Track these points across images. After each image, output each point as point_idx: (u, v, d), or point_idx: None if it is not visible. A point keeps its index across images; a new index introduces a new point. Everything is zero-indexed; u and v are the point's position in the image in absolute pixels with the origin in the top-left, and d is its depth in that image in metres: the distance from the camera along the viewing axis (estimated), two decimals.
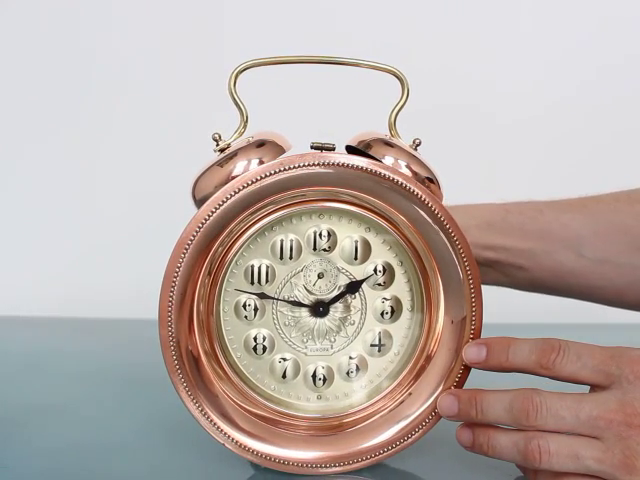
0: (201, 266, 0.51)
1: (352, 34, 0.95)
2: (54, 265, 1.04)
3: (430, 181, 0.53)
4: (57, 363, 0.82)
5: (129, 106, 1.02)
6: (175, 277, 0.50)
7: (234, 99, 0.53)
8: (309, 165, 0.50)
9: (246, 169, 0.50)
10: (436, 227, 0.52)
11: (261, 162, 0.50)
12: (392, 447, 0.54)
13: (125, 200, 1.03)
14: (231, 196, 0.49)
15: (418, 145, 0.54)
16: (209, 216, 0.50)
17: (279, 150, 0.51)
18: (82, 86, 1.02)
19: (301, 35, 0.95)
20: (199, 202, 0.51)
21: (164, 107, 1.00)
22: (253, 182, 0.49)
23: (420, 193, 0.51)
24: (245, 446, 0.53)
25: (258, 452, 0.53)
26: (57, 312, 0.99)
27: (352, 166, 0.50)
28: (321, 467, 0.53)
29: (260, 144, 0.51)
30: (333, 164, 0.50)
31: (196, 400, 0.52)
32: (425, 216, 0.52)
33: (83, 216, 1.04)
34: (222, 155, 0.51)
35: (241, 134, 0.53)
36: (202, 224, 0.50)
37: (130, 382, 0.75)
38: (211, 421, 0.53)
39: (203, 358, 0.53)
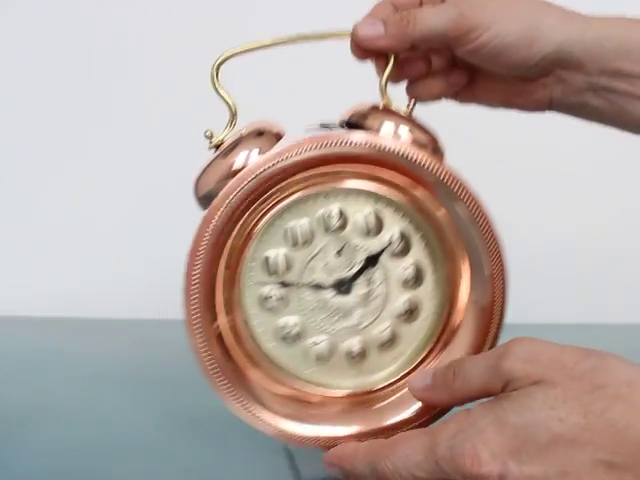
0: (218, 264, 0.51)
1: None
2: (54, 265, 1.04)
3: (431, 143, 0.52)
4: (57, 363, 0.82)
5: (124, 104, 1.02)
6: (196, 280, 0.50)
7: (219, 93, 0.52)
8: (309, 150, 0.49)
9: (247, 160, 0.50)
10: (446, 191, 0.51)
11: (261, 152, 0.50)
12: (425, 420, 0.53)
13: (126, 200, 1.03)
14: (237, 192, 0.49)
15: (412, 108, 0.54)
16: (218, 214, 0.49)
17: (277, 137, 0.51)
18: (78, 86, 1.02)
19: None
20: (202, 199, 0.51)
21: (158, 104, 1.00)
22: (256, 176, 0.49)
23: (425, 161, 0.51)
24: (286, 431, 0.53)
25: (298, 435, 0.53)
26: (57, 312, 0.99)
27: (352, 143, 0.50)
28: None
29: (259, 133, 0.51)
30: (331, 144, 0.50)
31: (236, 395, 0.52)
32: (434, 181, 0.51)
33: (83, 215, 1.04)
34: (221, 149, 0.51)
35: (232, 127, 0.53)
36: (213, 222, 0.49)
37: (130, 382, 0.75)
38: (252, 413, 0.52)
39: (235, 353, 0.53)
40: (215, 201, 0.49)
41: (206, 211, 0.50)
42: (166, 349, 0.85)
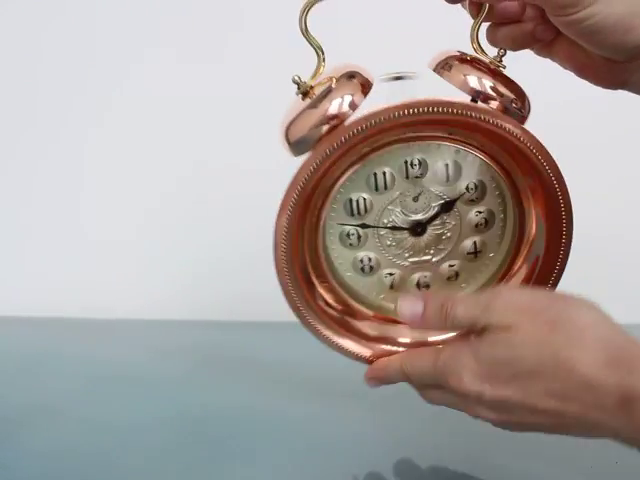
0: (308, 207, 0.53)
1: None
2: (54, 265, 1.04)
3: (517, 100, 0.52)
4: (57, 363, 0.82)
5: (133, 107, 1.02)
6: (284, 225, 0.51)
7: (307, 38, 0.52)
8: (394, 117, 0.50)
9: (340, 107, 0.50)
10: (527, 153, 0.52)
11: (354, 98, 0.50)
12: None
13: (126, 199, 1.03)
14: (332, 149, 0.50)
15: (503, 56, 0.53)
16: (312, 167, 0.50)
17: (367, 83, 0.51)
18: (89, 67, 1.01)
19: None
20: (294, 144, 0.51)
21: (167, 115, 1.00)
22: (349, 136, 0.50)
23: (508, 126, 0.51)
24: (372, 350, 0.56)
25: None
26: (57, 312, 0.99)
27: (436, 110, 0.50)
28: None
29: (350, 76, 0.51)
30: (417, 112, 0.50)
31: (330, 337, 0.55)
32: (516, 143, 0.52)
33: (83, 215, 1.04)
34: (313, 96, 0.51)
35: (320, 73, 0.53)
36: (307, 174, 0.51)
37: (130, 383, 0.75)
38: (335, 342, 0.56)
39: (319, 286, 0.56)
40: (310, 156, 0.50)
41: (301, 165, 0.51)
42: (166, 349, 0.85)
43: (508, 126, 0.51)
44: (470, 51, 0.54)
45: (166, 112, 0.99)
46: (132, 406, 0.69)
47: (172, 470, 0.57)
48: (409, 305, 0.51)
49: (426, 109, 0.50)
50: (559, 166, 0.53)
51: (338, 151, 0.50)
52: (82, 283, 1.03)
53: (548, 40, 0.55)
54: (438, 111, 0.50)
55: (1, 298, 1.02)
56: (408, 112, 0.50)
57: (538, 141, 0.52)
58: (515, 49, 0.55)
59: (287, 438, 0.63)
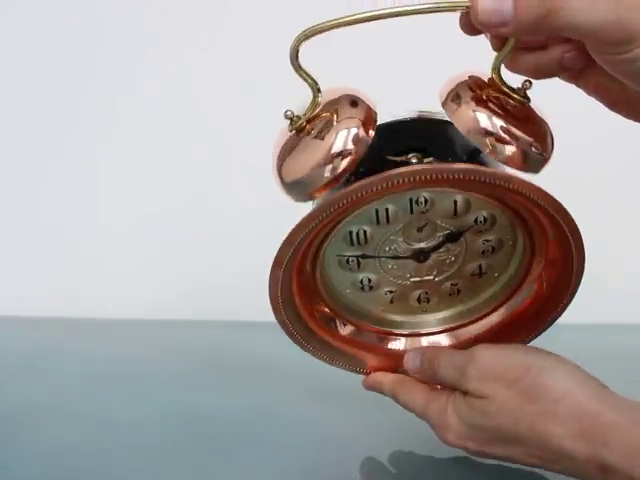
0: (310, 248, 0.51)
1: None
2: (54, 265, 1.04)
3: (536, 143, 0.46)
4: (57, 363, 0.82)
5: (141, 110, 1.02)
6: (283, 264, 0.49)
7: (300, 74, 0.46)
8: (393, 185, 0.46)
9: (346, 142, 0.45)
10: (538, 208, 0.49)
11: (356, 135, 0.45)
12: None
13: (126, 199, 1.03)
14: (327, 214, 0.47)
15: (527, 89, 0.47)
16: (319, 219, 0.47)
17: (371, 112, 0.46)
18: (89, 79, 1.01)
19: None
20: (291, 186, 0.46)
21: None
22: (361, 195, 0.46)
23: (514, 186, 0.46)
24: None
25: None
26: (57, 312, 0.99)
27: (435, 177, 0.46)
28: None
29: (352, 103, 0.46)
30: (415, 180, 0.46)
31: (333, 359, 0.56)
32: (524, 201, 0.49)
33: (83, 215, 1.04)
34: (311, 130, 0.46)
35: (316, 107, 0.47)
36: (313, 224, 0.47)
37: (130, 382, 0.75)
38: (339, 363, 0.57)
39: (318, 307, 0.56)
40: (316, 209, 0.46)
41: (295, 225, 0.47)
42: (166, 349, 0.85)
43: (514, 185, 0.46)
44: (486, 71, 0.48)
45: (167, 117, 0.99)
46: (132, 406, 0.69)
47: (172, 469, 0.57)
48: (411, 358, 0.55)
49: (425, 177, 0.46)
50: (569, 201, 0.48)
51: (336, 211, 0.47)
52: (82, 283, 1.03)
53: (577, 69, 0.48)
54: (438, 177, 0.46)
55: (1, 298, 1.02)
56: (407, 180, 0.45)
57: (549, 195, 0.47)
58: (538, 78, 0.48)
59: (287, 438, 0.63)
